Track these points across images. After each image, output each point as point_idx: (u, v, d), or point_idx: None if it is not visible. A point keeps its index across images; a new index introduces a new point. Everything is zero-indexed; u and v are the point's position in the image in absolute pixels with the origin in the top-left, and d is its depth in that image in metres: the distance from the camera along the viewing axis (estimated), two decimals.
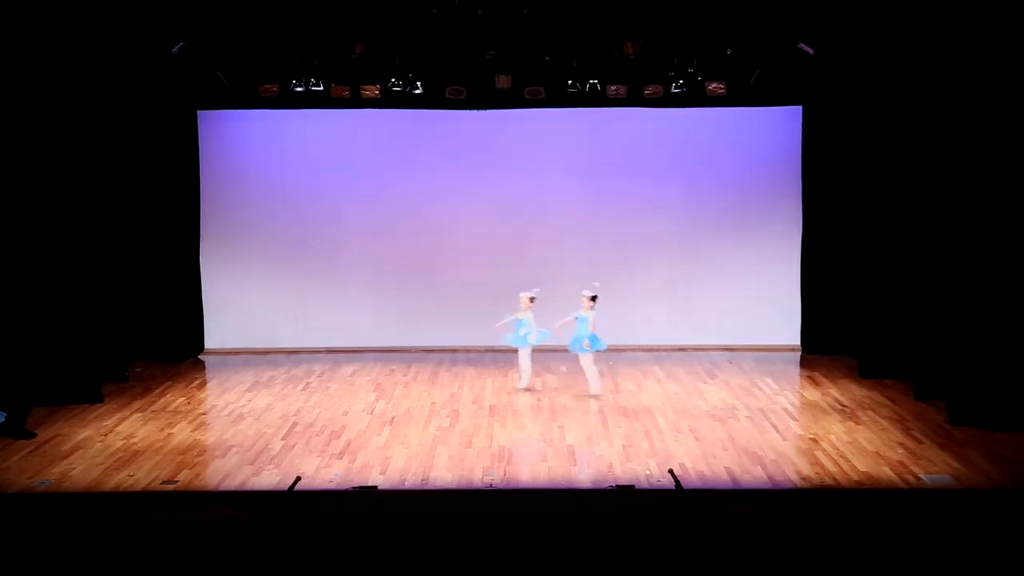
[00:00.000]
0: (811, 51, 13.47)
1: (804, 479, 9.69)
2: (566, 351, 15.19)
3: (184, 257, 15.08)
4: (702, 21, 13.07)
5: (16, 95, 11.58)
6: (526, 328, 12.87)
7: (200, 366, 14.85)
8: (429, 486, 9.67)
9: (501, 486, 9.59)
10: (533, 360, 13.15)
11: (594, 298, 12.61)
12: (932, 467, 9.93)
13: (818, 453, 10.44)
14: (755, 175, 15.27)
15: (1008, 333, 11.03)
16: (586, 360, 12.72)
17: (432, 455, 10.56)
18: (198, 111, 15.00)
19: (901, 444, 10.67)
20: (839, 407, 12.18)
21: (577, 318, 12.62)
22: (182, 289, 15.01)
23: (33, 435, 11.13)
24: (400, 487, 9.62)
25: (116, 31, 12.60)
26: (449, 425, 11.63)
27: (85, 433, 11.33)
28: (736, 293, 15.36)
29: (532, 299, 12.91)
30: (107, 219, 13.57)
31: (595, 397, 12.60)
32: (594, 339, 12.62)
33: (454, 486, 9.66)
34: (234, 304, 15.43)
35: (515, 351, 13.20)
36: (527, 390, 12.95)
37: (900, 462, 10.10)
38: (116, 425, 11.66)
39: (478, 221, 15.42)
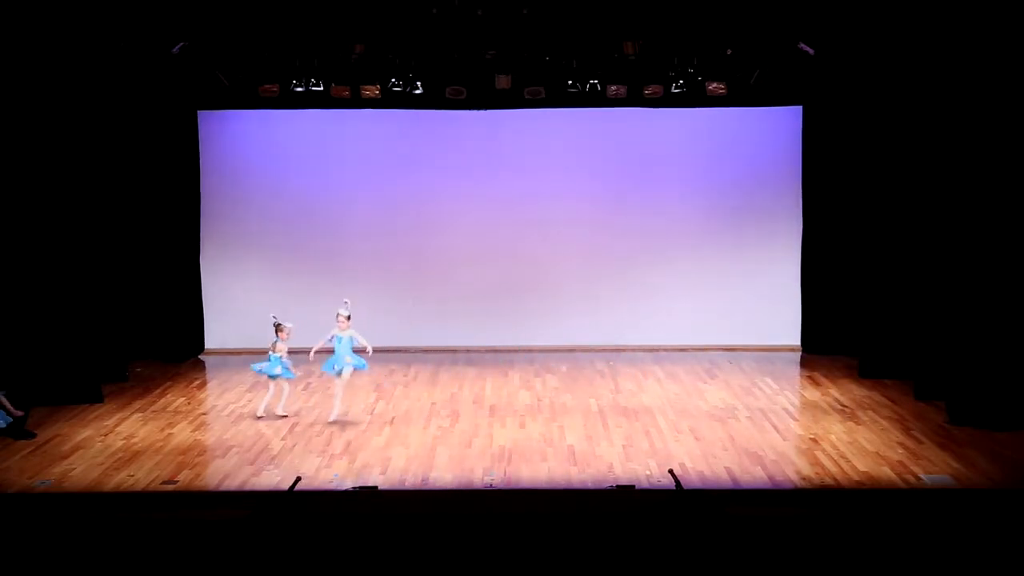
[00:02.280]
0: (811, 51, 13.47)
1: (804, 479, 9.70)
2: (565, 352, 15.24)
3: (184, 257, 15.08)
4: (702, 21, 13.06)
5: (17, 96, 11.58)
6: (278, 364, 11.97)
7: (200, 366, 14.85)
8: (429, 486, 9.67)
9: (501, 486, 9.60)
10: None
11: (348, 316, 11.78)
12: (932, 467, 9.93)
13: (818, 453, 10.44)
14: (755, 175, 15.26)
15: (1008, 333, 11.03)
16: (340, 382, 11.81)
17: (432, 455, 10.57)
18: (198, 111, 15.00)
19: (901, 444, 10.67)
20: (839, 407, 12.18)
21: (334, 338, 11.71)
22: (182, 289, 15.01)
23: (33, 435, 11.13)
24: (400, 487, 9.62)
25: (116, 31, 12.59)
26: (449, 425, 11.63)
27: (85, 433, 11.33)
28: (736, 293, 15.36)
29: (280, 327, 11.92)
30: (107, 219, 13.57)
31: (333, 422, 11.64)
32: (355, 359, 11.79)
33: (454, 486, 9.66)
34: (234, 304, 15.42)
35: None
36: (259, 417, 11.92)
37: (900, 462, 10.10)
38: (116, 425, 11.66)
39: (478, 221, 15.42)
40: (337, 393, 11.93)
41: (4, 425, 11.08)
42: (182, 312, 15.00)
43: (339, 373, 11.80)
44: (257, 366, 12.13)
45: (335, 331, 11.77)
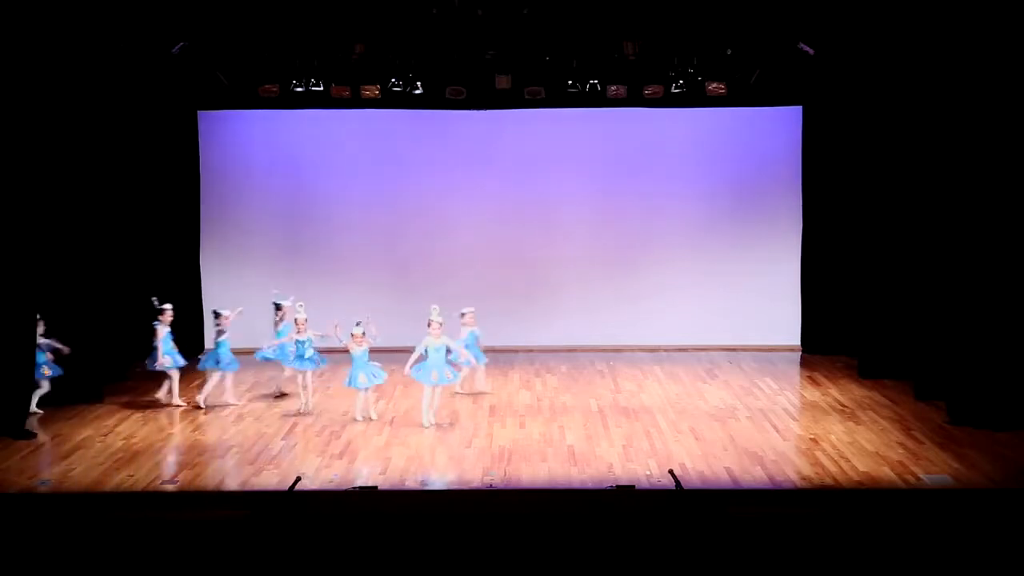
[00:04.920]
0: (811, 51, 13.47)
1: (804, 479, 9.69)
2: (565, 352, 15.22)
3: (184, 257, 15.08)
4: (702, 21, 13.08)
5: (17, 96, 11.56)
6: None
7: None
8: (429, 486, 9.67)
9: (501, 486, 9.59)
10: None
11: (441, 323, 11.70)
12: (932, 467, 9.93)
13: (818, 453, 10.44)
14: (755, 175, 15.27)
15: (1008, 333, 11.02)
16: (428, 391, 11.64)
17: (432, 455, 10.57)
18: (198, 111, 15.00)
19: (901, 444, 10.67)
20: (839, 407, 12.18)
21: (427, 347, 11.62)
22: (182, 289, 14.99)
23: (33, 435, 11.13)
24: (400, 487, 9.62)
25: (116, 31, 12.59)
26: (449, 425, 11.62)
27: (85, 433, 11.34)
28: (736, 293, 15.36)
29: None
30: (108, 219, 13.55)
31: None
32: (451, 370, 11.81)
33: (454, 486, 9.66)
34: (234, 304, 15.37)
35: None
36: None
37: (900, 462, 10.10)
38: (116, 425, 11.66)
39: (478, 221, 15.43)
40: (425, 404, 11.63)
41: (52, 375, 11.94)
42: (182, 312, 14.93)
43: (442, 383, 11.59)
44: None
45: (429, 340, 11.55)
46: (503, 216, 15.42)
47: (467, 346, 12.38)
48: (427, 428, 11.44)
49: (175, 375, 12.55)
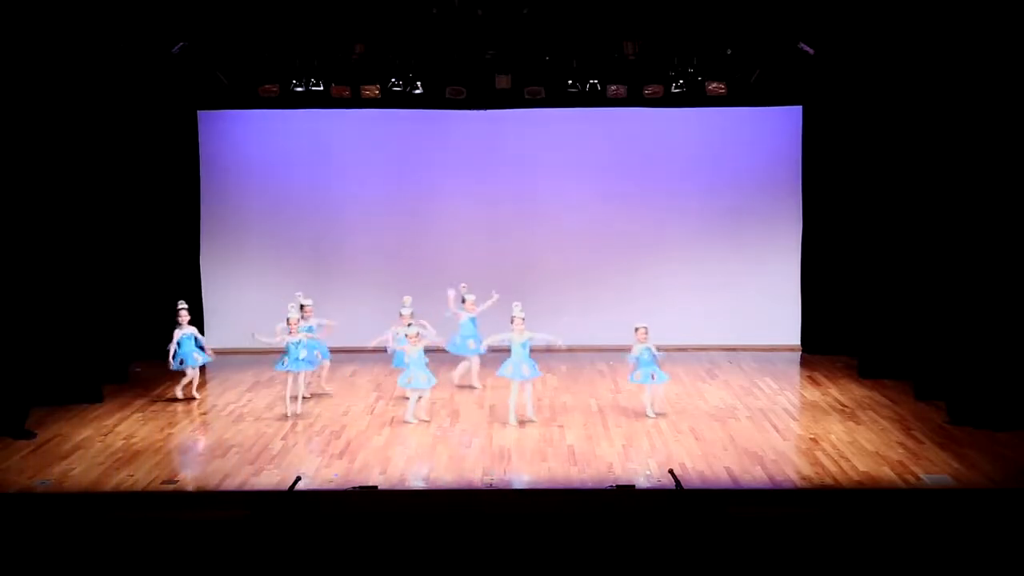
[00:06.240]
0: (811, 51, 13.47)
1: (804, 479, 9.70)
2: (565, 352, 15.21)
3: (184, 257, 15.09)
4: (702, 21, 13.08)
5: (17, 96, 11.58)
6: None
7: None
8: (429, 486, 9.67)
9: (501, 486, 9.60)
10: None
11: (524, 319, 11.67)
12: (932, 467, 9.93)
13: (818, 453, 10.44)
14: (755, 175, 15.26)
15: (1008, 333, 11.03)
16: (516, 387, 11.68)
17: (432, 455, 10.57)
18: (198, 111, 15.00)
19: (901, 444, 10.67)
20: (839, 407, 12.18)
21: (512, 343, 11.68)
22: (182, 289, 14.96)
23: (33, 435, 11.13)
24: (400, 487, 9.63)
25: (116, 31, 12.60)
26: (449, 425, 11.63)
27: (85, 433, 11.34)
28: (736, 293, 15.36)
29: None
30: (108, 219, 13.57)
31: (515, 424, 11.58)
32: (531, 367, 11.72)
33: (454, 486, 9.66)
34: (234, 304, 15.42)
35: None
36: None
37: (900, 462, 10.10)
38: (116, 425, 11.67)
39: (477, 221, 15.43)
40: (512, 400, 11.63)
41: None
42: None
43: (524, 379, 11.58)
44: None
45: (512, 335, 11.58)
46: (503, 216, 15.41)
47: (642, 364, 11.84)
48: (512, 426, 11.43)
49: (327, 366, 12.85)
